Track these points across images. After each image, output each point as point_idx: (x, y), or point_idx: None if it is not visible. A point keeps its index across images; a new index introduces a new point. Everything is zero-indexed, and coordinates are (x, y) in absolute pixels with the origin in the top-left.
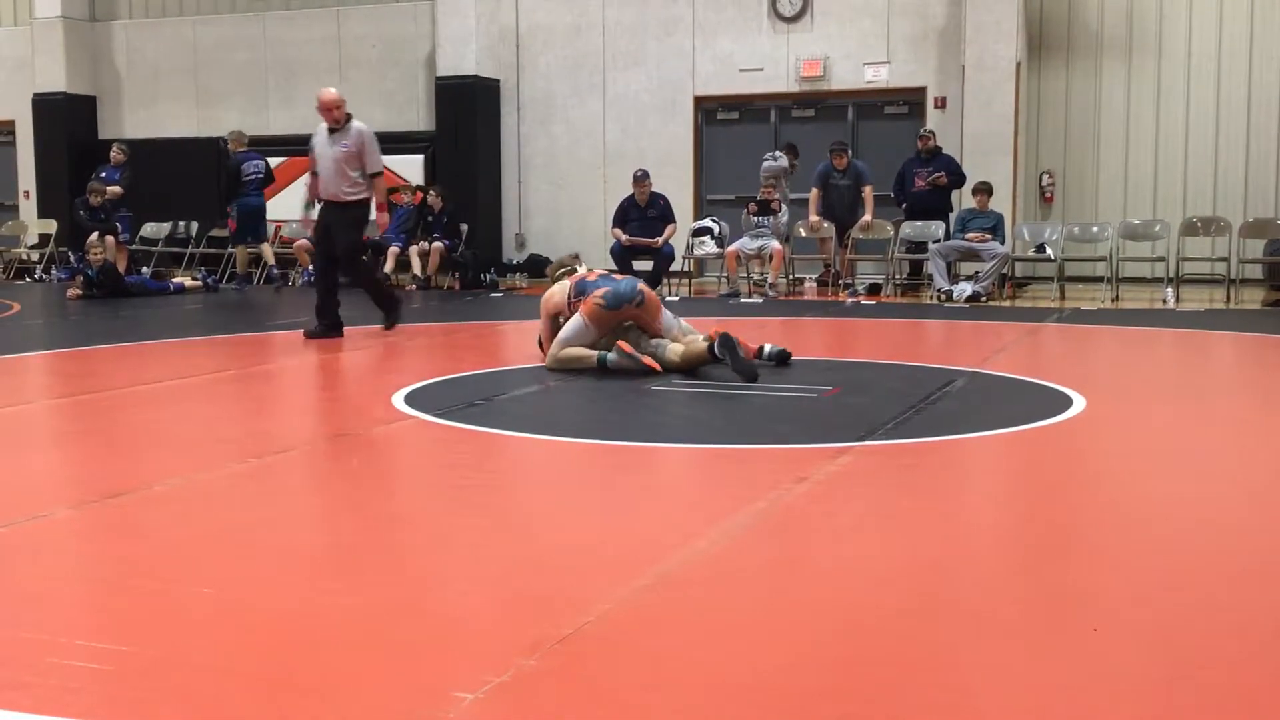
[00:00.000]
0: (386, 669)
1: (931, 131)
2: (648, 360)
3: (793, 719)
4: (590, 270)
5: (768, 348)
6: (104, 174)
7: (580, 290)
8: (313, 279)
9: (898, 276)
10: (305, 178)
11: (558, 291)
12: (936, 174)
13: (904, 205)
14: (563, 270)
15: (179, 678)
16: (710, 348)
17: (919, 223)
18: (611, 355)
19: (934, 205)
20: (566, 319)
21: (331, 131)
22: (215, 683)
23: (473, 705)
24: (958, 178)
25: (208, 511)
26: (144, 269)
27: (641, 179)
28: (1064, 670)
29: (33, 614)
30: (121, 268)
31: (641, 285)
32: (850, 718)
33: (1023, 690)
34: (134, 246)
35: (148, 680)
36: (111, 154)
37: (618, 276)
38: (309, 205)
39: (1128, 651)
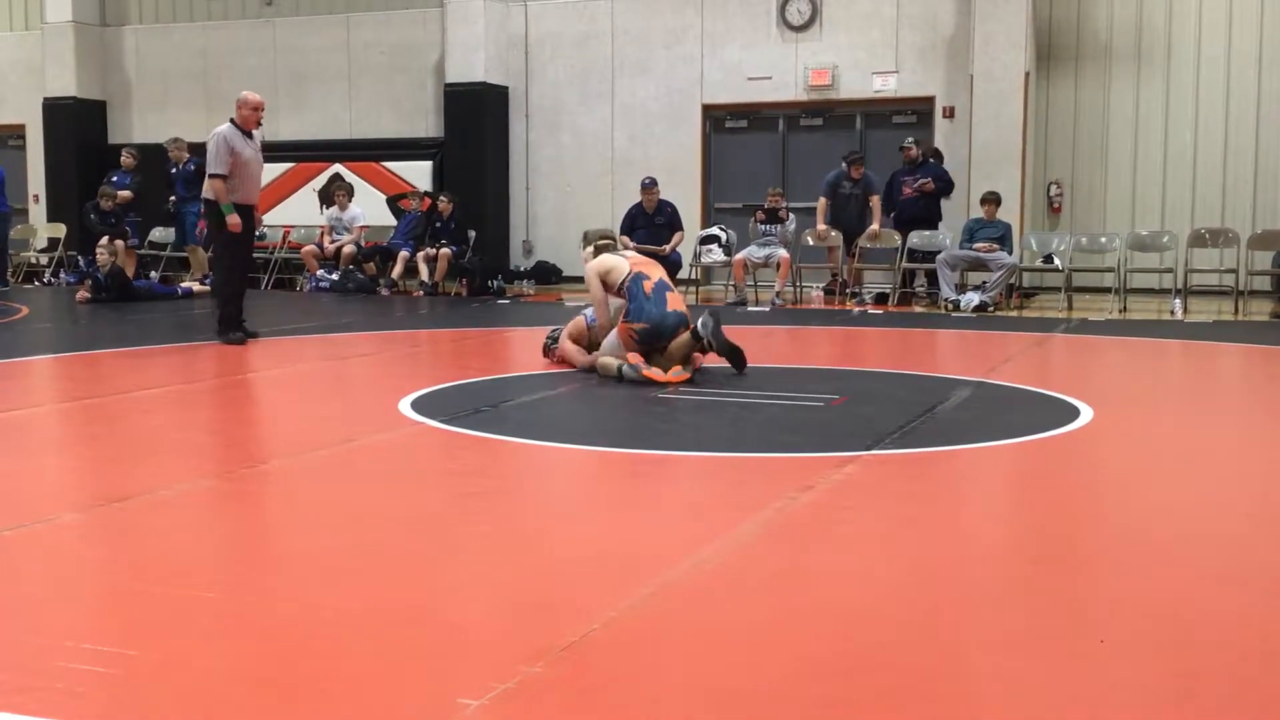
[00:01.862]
0: (391, 675)
1: (915, 141)
2: (647, 373)
3: None
4: (653, 266)
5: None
6: (114, 179)
7: (635, 287)
8: (215, 284)
9: (909, 285)
10: (198, 179)
11: (617, 267)
12: (923, 181)
13: (892, 214)
14: (605, 242)
15: (184, 682)
16: (694, 331)
17: (926, 232)
18: (628, 369)
19: (922, 214)
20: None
21: (248, 136)
22: (221, 687)
23: (477, 712)
24: (945, 185)
25: (213, 516)
26: (152, 273)
27: (649, 186)
28: (1071, 682)
29: (39, 618)
30: (130, 272)
31: (684, 330)
32: None
33: (1029, 702)
34: (142, 251)
35: (153, 684)
36: (122, 159)
37: (670, 297)
38: (230, 209)
39: (1135, 663)
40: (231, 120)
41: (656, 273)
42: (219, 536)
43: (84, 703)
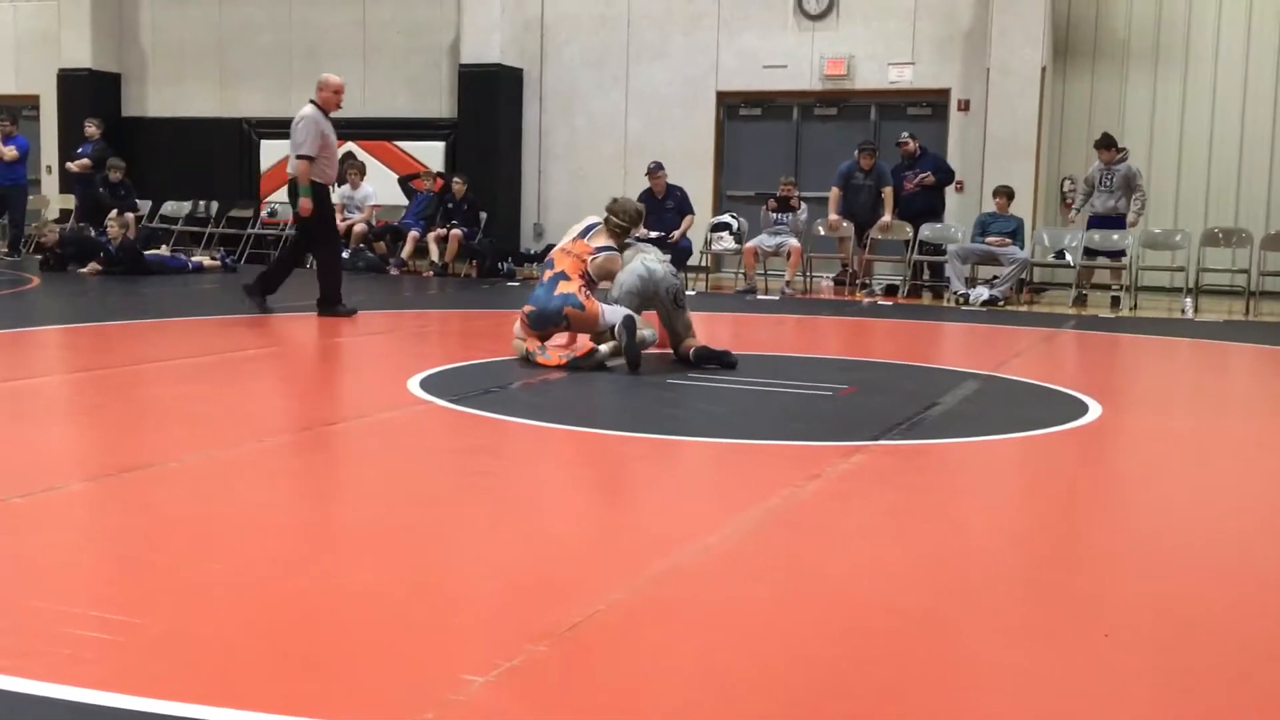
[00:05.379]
0: (397, 650)
1: (910, 136)
2: (541, 359)
3: (797, 716)
4: (564, 258)
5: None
6: (80, 150)
7: (541, 273)
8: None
9: (919, 277)
10: (294, 164)
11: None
12: (923, 174)
13: (895, 210)
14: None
15: (188, 651)
16: (612, 328)
17: (937, 225)
18: (530, 353)
19: (925, 207)
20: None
21: (328, 117)
22: (224, 658)
23: (482, 688)
24: (945, 175)
25: (221, 489)
26: (163, 246)
27: (655, 171)
28: (1073, 675)
29: (45, 584)
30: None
31: (569, 309)
32: (855, 717)
33: (1030, 695)
34: (153, 224)
35: (157, 653)
36: (86, 129)
37: (561, 284)
38: (309, 190)
39: (1139, 658)
40: (313, 101)
41: (561, 264)
42: (227, 509)
43: (88, 669)
